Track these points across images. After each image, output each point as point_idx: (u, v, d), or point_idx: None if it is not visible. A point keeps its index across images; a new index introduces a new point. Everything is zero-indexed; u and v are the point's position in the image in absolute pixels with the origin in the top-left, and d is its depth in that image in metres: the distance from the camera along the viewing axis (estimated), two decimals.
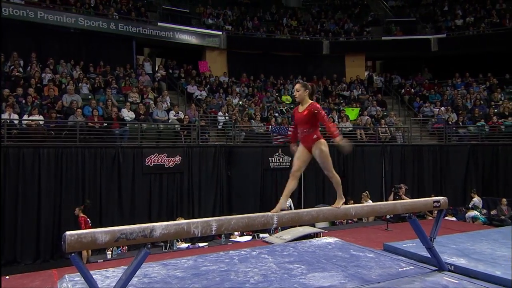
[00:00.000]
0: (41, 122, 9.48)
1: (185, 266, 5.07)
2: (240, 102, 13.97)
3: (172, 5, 17.29)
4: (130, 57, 14.75)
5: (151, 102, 12.10)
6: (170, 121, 11.50)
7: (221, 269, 4.89)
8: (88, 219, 7.91)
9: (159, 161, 9.91)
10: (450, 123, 13.79)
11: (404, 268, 4.89)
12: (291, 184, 4.00)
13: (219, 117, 12.54)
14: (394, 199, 10.16)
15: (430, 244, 4.64)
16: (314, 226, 9.08)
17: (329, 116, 13.08)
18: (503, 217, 10.41)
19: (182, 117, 11.59)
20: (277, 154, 11.47)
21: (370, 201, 10.29)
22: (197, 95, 14.03)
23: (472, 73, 17.03)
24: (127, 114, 10.91)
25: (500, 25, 17.18)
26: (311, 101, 4.04)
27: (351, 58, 18.35)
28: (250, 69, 16.84)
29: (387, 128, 13.80)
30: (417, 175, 13.06)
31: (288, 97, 15.31)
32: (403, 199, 9.37)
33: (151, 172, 9.84)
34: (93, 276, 3.07)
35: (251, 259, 5.32)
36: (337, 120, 13.61)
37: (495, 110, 14.01)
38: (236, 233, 9.43)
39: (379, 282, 4.35)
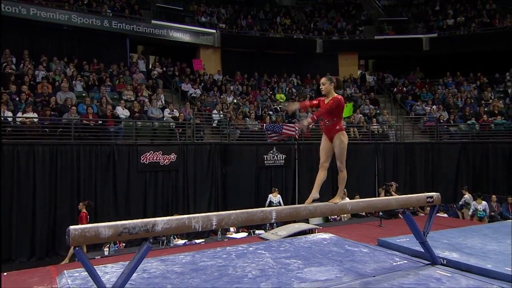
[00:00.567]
0: (35, 120, 9.43)
1: (183, 261, 5.13)
2: (235, 100, 14.01)
3: (166, 2, 17.23)
4: (124, 55, 14.72)
5: (146, 100, 12.09)
6: (165, 119, 11.51)
7: (219, 264, 4.96)
8: (88, 216, 7.94)
9: (154, 158, 9.90)
10: (441, 121, 14.00)
11: (398, 262, 5.01)
12: (320, 175, 4.19)
13: (213, 115, 12.57)
14: (385, 196, 10.30)
15: (423, 238, 4.75)
16: (308, 223, 9.20)
17: None
18: (492, 213, 10.62)
19: (177, 115, 11.62)
20: (271, 152, 11.53)
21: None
22: (191, 93, 14.04)
23: (463, 72, 17.28)
24: (122, 112, 10.91)
25: (490, 25, 17.48)
26: (336, 94, 4.21)
27: (344, 56, 18.49)
28: (244, 67, 16.89)
29: (379, 127, 13.96)
30: (410, 173, 13.25)
31: (282, 95, 15.39)
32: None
33: (146, 170, 9.84)
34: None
35: (248, 255, 5.40)
36: None
37: (486, 109, 14.23)
38: (232, 229, 9.50)
39: (374, 276, 4.46)
